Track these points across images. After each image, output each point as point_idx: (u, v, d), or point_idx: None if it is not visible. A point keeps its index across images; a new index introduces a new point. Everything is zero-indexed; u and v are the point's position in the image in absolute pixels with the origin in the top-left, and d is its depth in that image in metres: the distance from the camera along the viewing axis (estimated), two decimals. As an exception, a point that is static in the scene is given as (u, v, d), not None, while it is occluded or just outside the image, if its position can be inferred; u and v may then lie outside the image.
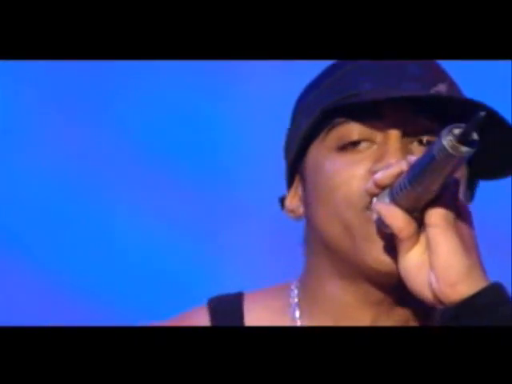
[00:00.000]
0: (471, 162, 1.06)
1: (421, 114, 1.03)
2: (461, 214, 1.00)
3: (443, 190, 0.97)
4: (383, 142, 1.05)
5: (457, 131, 0.91)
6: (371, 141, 1.06)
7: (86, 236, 2.41)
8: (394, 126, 1.04)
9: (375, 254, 1.02)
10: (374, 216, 1.01)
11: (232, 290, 1.19)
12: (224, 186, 2.37)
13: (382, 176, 1.01)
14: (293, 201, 1.14)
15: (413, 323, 1.05)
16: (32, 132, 2.42)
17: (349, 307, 1.07)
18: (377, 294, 1.05)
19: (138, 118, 2.45)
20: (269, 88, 2.32)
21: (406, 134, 1.05)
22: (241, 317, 1.13)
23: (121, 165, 2.43)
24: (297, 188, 1.14)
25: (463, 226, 0.99)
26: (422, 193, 0.95)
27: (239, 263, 2.32)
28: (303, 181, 1.11)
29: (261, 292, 1.18)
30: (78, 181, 2.41)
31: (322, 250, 1.08)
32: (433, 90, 1.06)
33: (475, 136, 0.92)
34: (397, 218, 0.97)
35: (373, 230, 1.02)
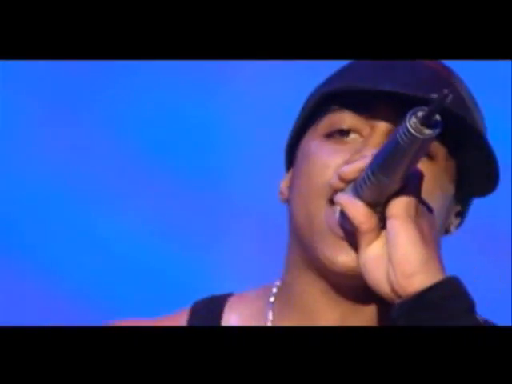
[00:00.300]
0: (458, 184, 1.07)
1: None
2: (422, 208, 0.99)
3: (406, 183, 0.97)
4: (369, 136, 1.05)
5: (420, 114, 0.91)
6: (360, 133, 1.05)
7: (82, 237, 2.40)
8: (383, 120, 1.04)
9: (329, 253, 1.01)
10: (338, 210, 1.01)
11: (229, 290, 1.19)
12: (220, 187, 2.37)
13: (347, 170, 1.00)
14: (284, 184, 1.13)
15: (381, 323, 1.05)
16: (30, 132, 2.42)
17: (317, 305, 1.06)
18: (342, 293, 1.04)
19: (134, 118, 2.45)
20: (266, 88, 2.32)
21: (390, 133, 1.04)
22: (218, 318, 1.12)
23: (117, 165, 2.43)
24: (290, 171, 1.13)
25: (424, 220, 0.98)
26: (385, 183, 0.95)
27: (237, 264, 2.32)
28: (294, 165, 1.11)
29: (246, 293, 1.17)
30: (74, 182, 2.41)
31: (294, 243, 1.07)
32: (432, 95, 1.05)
33: (438, 118, 0.91)
34: (358, 211, 0.97)
35: (333, 225, 1.02)
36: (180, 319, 1.14)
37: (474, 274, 2.75)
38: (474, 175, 1.10)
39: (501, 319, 2.43)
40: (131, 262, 2.39)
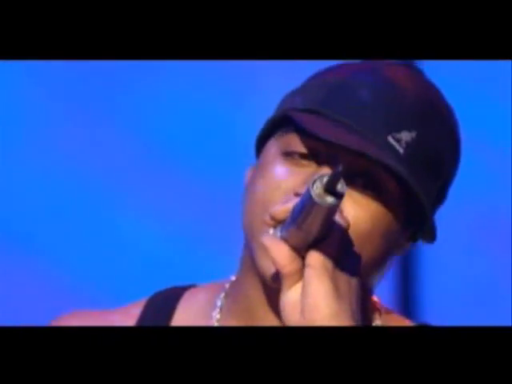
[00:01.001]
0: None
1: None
2: (343, 261, 0.98)
3: (329, 233, 0.96)
4: (323, 164, 1.03)
5: (325, 180, 0.90)
6: (316, 159, 1.01)
7: (88, 233, 2.41)
8: (342, 150, 1.01)
9: (262, 262, 1.01)
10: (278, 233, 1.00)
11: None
12: (229, 184, 2.37)
13: (277, 210, 0.99)
14: (249, 174, 1.12)
15: None
16: (37, 130, 2.43)
17: (260, 308, 1.06)
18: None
19: (147, 117, 2.45)
20: (276, 88, 2.32)
21: (345, 170, 1.01)
22: (171, 312, 1.12)
23: (124, 164, 2.43)
24: (255, 165, 1.12)
25: (341, 273, 0.97)
26: (304, 233, 0.95)
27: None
28: (257, 163, 1.10)
29: (205, 286, 1.16)
30: (79, 179, 2.42)
31: (244, 242, 1.06)
32: (386, 137, 1.00)
33: (340, 188, 0.91)
34: (280, 254, 0.96)
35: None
36: (133, 311, 1.13)
37: (474, 275, 2.75)
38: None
39: (501, 319, 2.43)
40: (133, 258, 2.40)
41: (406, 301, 2.54)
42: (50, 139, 2.42)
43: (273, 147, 1.05)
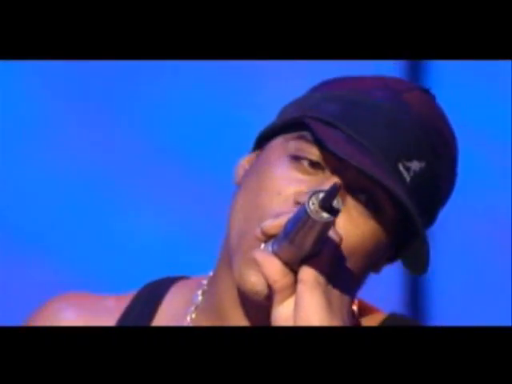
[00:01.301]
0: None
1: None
2: (335, 276, 0.98)
3: (322, 248, 0.96)
4: (328, 177, 1.03)
5: (321, 196, 0.90)
6: (323, 169, 1.01)
7: (91, 232, 2.41)
8: (349, 166, 1.01)
9: (244, 271, 1.00)
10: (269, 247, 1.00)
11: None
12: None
13: (269, 225, 0.99)
14: (243, 165, 1.10)
15: None
16: (41, 130, 2.43)
17: (231, 310, 1.06)
18: (255, 307, 1.02)
19: (152, 116, 2.46)
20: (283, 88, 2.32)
21: (349, 184, 1.00)
22: (156, 304, 1.11)
23: (129, 162, 2.43)
24: (251, 158, 1.10)
25: (334, 288, 0.97)
26: (296, 248, 0.95)
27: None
28: (258, 154, 1.09)
29: (192, 278, 1.16)
30: (82, 179, 2.42)
31: (226, 241, 1.05)
32: (396, 163, 1.00)
33: (336, 204, 0.91)
34: (272, 269, 0.95)
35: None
36: (126, 299, 1.13)
37: (475, 274, 2.75)
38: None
39: (501, 319, 2.43)
40: (137, 258, 2.40)
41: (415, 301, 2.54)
42: (50, 137, 2.42)
43: (280, 147, 1.04)
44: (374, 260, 1.05)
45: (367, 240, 1.02)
